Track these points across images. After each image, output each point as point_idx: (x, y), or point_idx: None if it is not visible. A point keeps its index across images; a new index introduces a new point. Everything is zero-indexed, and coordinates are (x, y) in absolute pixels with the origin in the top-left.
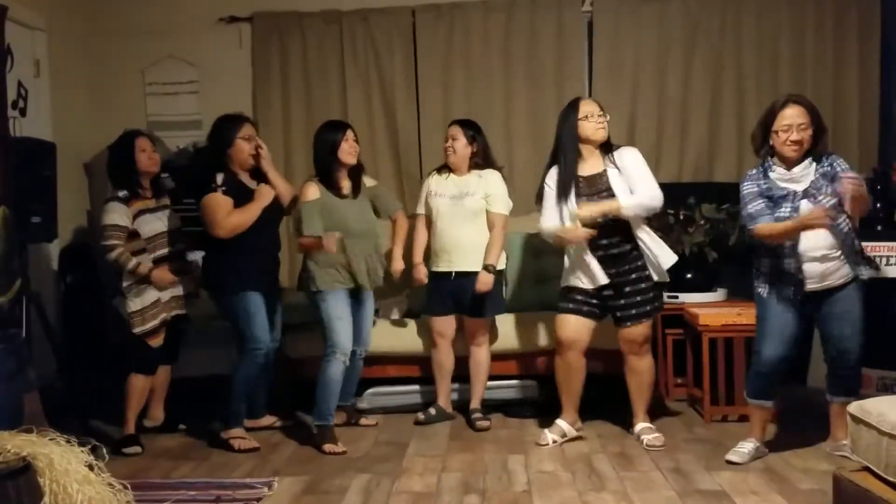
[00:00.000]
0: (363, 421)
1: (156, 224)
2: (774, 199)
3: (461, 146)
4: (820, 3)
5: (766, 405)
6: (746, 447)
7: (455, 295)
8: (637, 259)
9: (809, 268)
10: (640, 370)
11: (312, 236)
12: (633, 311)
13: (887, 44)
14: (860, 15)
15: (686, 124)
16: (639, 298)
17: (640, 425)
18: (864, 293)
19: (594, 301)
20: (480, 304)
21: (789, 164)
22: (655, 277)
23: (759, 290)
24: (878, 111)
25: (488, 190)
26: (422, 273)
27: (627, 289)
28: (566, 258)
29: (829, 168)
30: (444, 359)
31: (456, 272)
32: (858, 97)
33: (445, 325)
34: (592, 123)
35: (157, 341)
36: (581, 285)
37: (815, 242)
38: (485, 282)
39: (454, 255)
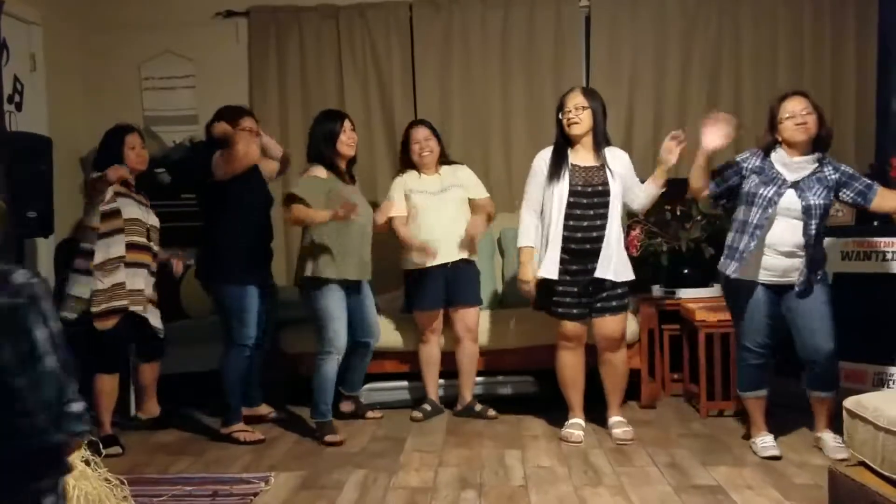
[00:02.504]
0: (369, 414)
1: (135, 209)
2: (763, 179)
3: (435, 145)
4: None
5: (761, 395)
6: (769, 439)
7: (447, 287)
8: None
9: (771, 261)
10: (617, 363)
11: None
12: (614, 304)
13: (884, 40)
14: (857, 11)
15: (683, 119)
16: (619, 291)
17: (614, 418)
18: (830, 290)
19: (584, 300)
20: (471, 291)
21: (795, 152)
22: (627, 276)
23: (729, 272)
24: (875, 107)
25: (468, 180)
26: (416, 242)
27: (609, 283)
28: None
29: (825, 173)
30: (435, 354)
31: (449, 263)
32: (855, 93)
33: (434, 320)
34: (569, 117)
35: (106, 324)
36: (550, 276)
37: (782, 238)
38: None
39: (445, 247)
